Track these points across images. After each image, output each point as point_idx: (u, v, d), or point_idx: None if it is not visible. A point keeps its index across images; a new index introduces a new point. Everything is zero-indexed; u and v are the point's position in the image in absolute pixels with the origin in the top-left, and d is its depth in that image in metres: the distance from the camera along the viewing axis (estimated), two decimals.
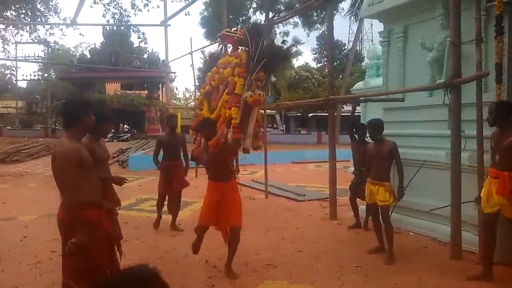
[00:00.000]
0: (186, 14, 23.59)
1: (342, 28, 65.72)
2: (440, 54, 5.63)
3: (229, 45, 5.00)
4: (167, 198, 6.40)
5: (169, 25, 13.97)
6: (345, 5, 28.43)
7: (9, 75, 43.65)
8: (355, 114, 7.60)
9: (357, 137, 6.37)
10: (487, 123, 4.25)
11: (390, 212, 5.07)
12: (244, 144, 4.07)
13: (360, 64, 35.91)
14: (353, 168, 6.54)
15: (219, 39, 5.68)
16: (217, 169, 4.36)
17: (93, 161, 2.99)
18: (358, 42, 30.13)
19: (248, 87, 3.98)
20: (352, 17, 28.05)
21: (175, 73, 43.88)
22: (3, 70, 43.13)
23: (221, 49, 5.57)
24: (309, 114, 36.62)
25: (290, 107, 28.31)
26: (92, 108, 3.06)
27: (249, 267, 4.70)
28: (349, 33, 40.21)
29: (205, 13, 27.77)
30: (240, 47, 4.60)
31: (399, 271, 4.47)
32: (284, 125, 36.37)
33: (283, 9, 27.76)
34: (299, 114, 38.11)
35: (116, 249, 3.97)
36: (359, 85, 13.75)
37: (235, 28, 4.65)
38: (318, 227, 6.54)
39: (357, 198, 6.24)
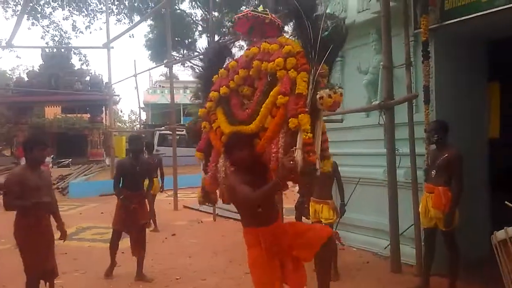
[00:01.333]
0: (130, 36, 23.36)
1: None
2: (375, 77, 5.94)
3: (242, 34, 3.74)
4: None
5: (112, 47, 13.76)
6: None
7: None
8: None
9: None
10: (426, 141, 4.51)
11: (334, 229, 5.20)
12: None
13: None
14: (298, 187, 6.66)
15: (231, 27, 4.25)
16: (264, 208, 2.85)
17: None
18: None
19: (313, 85, 2.76)
20: None
21: (119, 95, 42.86)
22: None
23: (231, 42, 4.00)
24: None
25: None
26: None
27: None
28: None
29: (150, 35, 27.56)
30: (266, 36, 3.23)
31: (343, 287, 4.57)
32: None
33: (227, 32, 28.19)
34: None
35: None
36: None
37: (262, 9, 3.38)
38: None
39: (303, 217, 6.34)
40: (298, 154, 2.59)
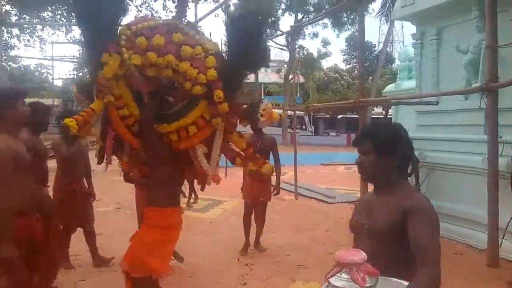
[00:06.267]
0: (215, 16, 23.71)
1: (372, 29, 64.87)
2: (476, 57, 5.54)
3: None
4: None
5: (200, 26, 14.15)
6: (375, 6, 28.07)
7: (45, 74, 45.17)
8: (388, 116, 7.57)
9: None
10: None
11: None
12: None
13: (391, 66, 35.29)
14: None
15: None
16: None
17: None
18: (389, 44, 29.61)
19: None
20: (383, 18, 27.59)
21: None
22: (40, 69, 44.70)
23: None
24: (338, 116, 36.28)
25: (319, 109, 28.14)
26: (22, 97, 2.56)
27: (280, 267, 4.76)
28: (379, 34, 39.59)
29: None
30: None
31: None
32: (313, 127, 36.18)
33: (312, 10, 27.65)
34: (328, 116, 37.83)
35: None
36: (390, 87, 13.56)
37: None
38: (348, 230, 6.51)
39: None
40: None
